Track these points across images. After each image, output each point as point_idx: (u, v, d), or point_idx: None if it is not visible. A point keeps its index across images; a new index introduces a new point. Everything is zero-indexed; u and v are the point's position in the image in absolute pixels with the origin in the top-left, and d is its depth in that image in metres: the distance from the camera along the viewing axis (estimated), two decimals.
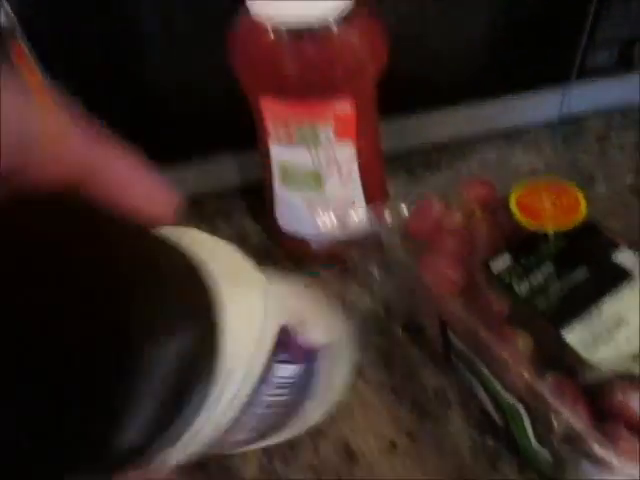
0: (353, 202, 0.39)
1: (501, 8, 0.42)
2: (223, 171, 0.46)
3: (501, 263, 0.31)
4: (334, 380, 0.25)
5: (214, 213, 0.46)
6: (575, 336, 0.28)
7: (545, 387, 0.26)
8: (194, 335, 0.14)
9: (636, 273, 0.30)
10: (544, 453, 0.28)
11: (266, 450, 0.33)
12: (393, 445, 0.33)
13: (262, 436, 0.22)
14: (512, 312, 0.30)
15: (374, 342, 0.37)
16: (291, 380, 0.21)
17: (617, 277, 0.30)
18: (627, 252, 0.31)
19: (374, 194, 0.40)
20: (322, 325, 0.23)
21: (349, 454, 0.33)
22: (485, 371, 0.30)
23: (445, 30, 0.43)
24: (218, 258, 0.17)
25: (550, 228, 0.32)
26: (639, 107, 0.50)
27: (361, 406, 0.34)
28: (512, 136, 0.49)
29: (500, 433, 0.32)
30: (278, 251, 0.43)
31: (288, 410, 0.22)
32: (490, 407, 0.32)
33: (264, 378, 0.19)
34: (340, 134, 0.35)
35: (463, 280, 0.32)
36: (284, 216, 0.41)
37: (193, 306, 0.15)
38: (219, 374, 0.15)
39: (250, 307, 0.18)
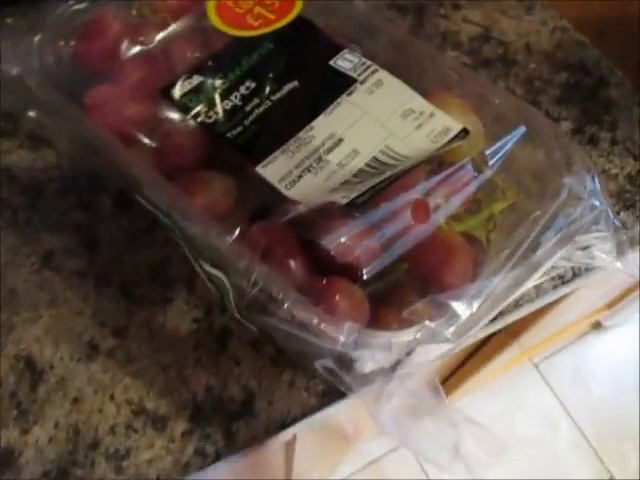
0: None
1: None
2: None
3: (186, 85, 0.23)
4: None
5: None
6: (276, 170, 0.21)
7: (234, 247, 0.20)
8: None
9: (359, 79, 0.23)
10: (246, 324, 0.22)
11: None
12: (93, 348, 0.25)
13: None
14: (206, 150, 0.23)
15: (73, 219, 0.28)
16: None
17: (336, 88, 0.23)
18: (351, 55, 0.24)
19: None
20: None
21: (32, 369, 0.24)
22: (182, 237, 0.23)
23: None
24: None
25: (251, 32, 0.24)
26: None
27: (50, 305, 0.26)
28: None
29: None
30: None
31: None
32: (205, 279, 0.25)
33: None
34: None
35: (147, 118, 0.24)
36: None
37: None
38: None
39: None
